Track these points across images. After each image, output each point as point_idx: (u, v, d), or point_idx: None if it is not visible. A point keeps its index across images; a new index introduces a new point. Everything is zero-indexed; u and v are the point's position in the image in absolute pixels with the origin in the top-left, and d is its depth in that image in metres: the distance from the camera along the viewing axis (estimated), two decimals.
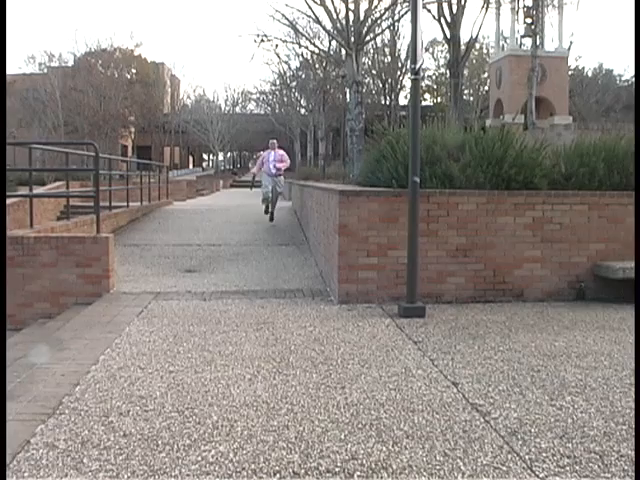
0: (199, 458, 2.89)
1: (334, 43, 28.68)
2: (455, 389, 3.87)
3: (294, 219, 14.02)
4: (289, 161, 13.67)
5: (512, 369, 4.28)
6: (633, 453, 2.93)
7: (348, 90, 21.75)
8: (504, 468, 2.81)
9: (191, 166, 71.74)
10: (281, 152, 13.36)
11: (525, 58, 29.44)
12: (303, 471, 2.77)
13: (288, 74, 43.49)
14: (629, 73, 48.53)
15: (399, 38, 39.95)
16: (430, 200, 6.47)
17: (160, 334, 5.20)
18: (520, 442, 3.08)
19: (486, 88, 43.46)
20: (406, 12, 20.85)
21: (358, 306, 6.31)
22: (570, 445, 3.05)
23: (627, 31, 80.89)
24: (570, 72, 39.05)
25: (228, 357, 4.52)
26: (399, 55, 40.26)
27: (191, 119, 56.24)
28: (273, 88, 48.41)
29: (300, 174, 26.77)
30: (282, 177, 13.32)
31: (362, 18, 20.00)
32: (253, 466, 2.80)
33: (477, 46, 40.03)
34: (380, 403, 3.61)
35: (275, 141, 13.61)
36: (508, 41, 34.50)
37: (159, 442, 3.06)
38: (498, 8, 30.55)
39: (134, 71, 50.94)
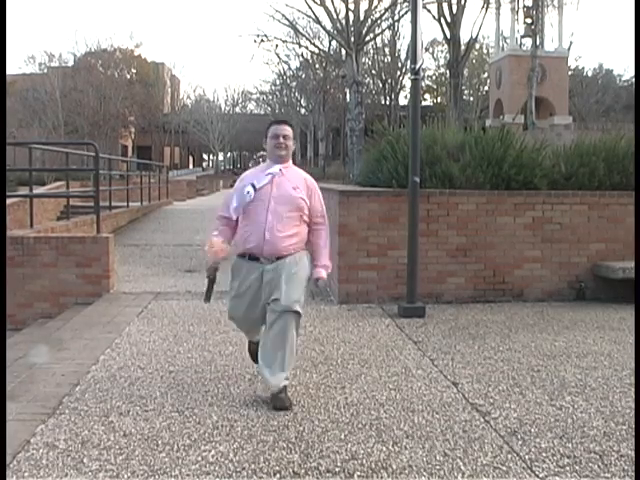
0: (199, 458, 2.89)
1: (334, 43, 28.72)
2: (455, 389, 3.87)
3: None
4: (324, 211, 3.81)
5: (512, 369, 4.28)
6: (633, 453, 2.93)
7: (348, 90, 21.77)
8: (504, 468, 2.81)
9: (191, 166, 71.73)
10: (299, 175, 3.75)
11: (525, 58, 29.41)
12: (303, 471, 2.77)
13: (288, 74, 43.47)
14: (629, 73, 48.53)
15: (399, 38, 39.94)
16: (430, 200, 6.47)
17: (160, 334, 5.20)
18: (520, 442, 3.08)
19: (486, 88, 43.45)
20: (406, 12, 20.88)
21: (358, 306, 6.31)
22: (570, 445, 3.05)
23: (627, 31, 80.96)
24: (570, 72, 39.02)
25: (228, 357, 4.52)
26: (399, 55, 40.25)
27: (191, 119, 56.22)
28: (273, 88, 48.40)
29: None
30: (304, 255, 3.71)
31: (362, 18, 20.03)
32: (253, 466, 2.80)
33: (477, 46, 39.99)
34: (380, 403, 3.61)
35: (287, 129, 3.71)
36: (508, 41, 34.48)
37: (159, 442, 3.06)
38: (498, 8, 30.53)
39: (134, 71, 50.89)
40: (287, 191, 3.59)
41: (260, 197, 3.58)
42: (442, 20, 23.01)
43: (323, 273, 3.72)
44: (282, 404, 3.50)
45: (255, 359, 3.83)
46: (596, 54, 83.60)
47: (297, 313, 3.54)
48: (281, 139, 3.67)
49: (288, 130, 3.71)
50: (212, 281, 3.76)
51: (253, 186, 3.58)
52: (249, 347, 4.01)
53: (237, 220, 3.69)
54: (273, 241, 3.54)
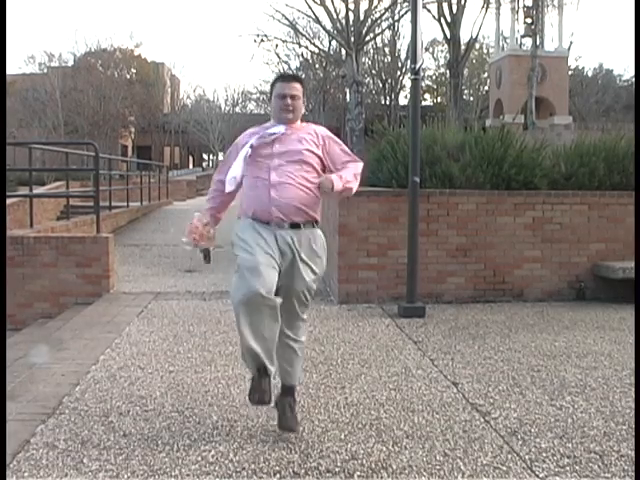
0: (199, 458, 2.89)
1: (334, 43, 28.70)
2: (455, 389, 3.87)
3: None
4: (351, 153, 3.29)
5: (512, 369, 4.28)
6: (633, 453, 2.93)
7: (348, 90, 21.79)
8: (504, 468, 2.81)
9: (191, 166, 71.68)
10: (307, 128, 3.25)
11: (525, 58, 29.40)
12: (303, 471, 2.76)
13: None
14: (629, 73, 48.48)
15: (399, 38, 39.91)
16: (430, 200, 6.47)
17: (160, 334, 5.20)
18: (520, 442, 3.08)
19: (486, 88, 43.41)
20: (406, 12, 20.89)
21: (358, 306, 6.31)
22: (570, 445, 3.05)
23: (627, 31, 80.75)
24: (570, 72, 38.98)
25: (228, 357, 4.51)
26: (399, 55, 40.22)
27: (191, 119, 56.19)
28: None
29: None
30: (318, 231, 3.18)
31: (362, 18, 20.05)
32: (253, 466, 2.80)
33: (477, 46, 39.94)
34: (380, 403, 3.61)
35: (295, 87, 3.18)
36: (508, 41, 34.45)
37: (159, 442, 3.06)
38: (498, 8, 30.53)
39: (134, 71, 50.85)
40: (292, 145, 3.11)
41: (261, 155, 3.10)
42: (442, 20, 23.05)
43: (334, 178, 3.06)
44: (284, 420, 3.13)
45: (263, 400, 3.01)
46: (596, 54, 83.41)
47: (309, 297, 3.16)
48: (288, 100, 3.12)
49: (297, 88, 3.16)
50: (208, 252, 3.28)
51: (251, 146, 3.13)
52: (254, 389, 3.01)
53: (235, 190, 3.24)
54: (281, 201, 3.02)
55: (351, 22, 19.75)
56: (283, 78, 3.26)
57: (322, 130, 3.26)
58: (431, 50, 48.84)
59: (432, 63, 50.55)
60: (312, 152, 3.12)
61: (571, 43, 39.92)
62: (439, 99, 50.32)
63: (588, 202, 6.77)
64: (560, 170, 7.16)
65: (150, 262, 9.15)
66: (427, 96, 51.40)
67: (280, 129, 3.16)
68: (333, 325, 5.56)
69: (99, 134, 41.53)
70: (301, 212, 3.07)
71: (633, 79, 42.65)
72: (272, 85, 3.22)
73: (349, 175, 3.13)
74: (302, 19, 25.93)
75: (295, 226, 3.06)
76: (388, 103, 41.47)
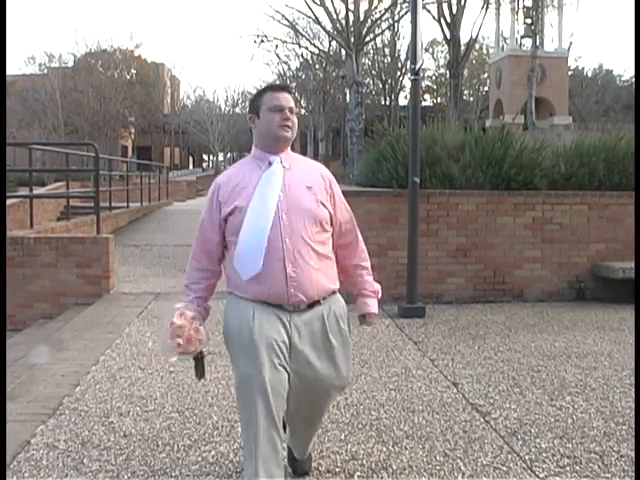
0: (199, 459, 2.89)
1: (334, 44, 28.74)
2: (455, 389, 3.87)
3: None
4: (351, 213, 2.55)
5: (512, 369, 4.28)
6: (633, 453, 2.93)
7: (348, 90, 21.80)
8: (504, 468, 2.81)
9: (191, 166, 71.72)
10: (309, 166, 2.48)
11: (525, 58, 29.42)
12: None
13: (288, 75, 43.46)
14: (629, 73, 48.49)
15: (399, 38, 39.93)
16: (430, 200, 6.47)
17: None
18: (520, 442, 3.08)
19: (486, 88, 43.42)
20: (406, 12, 20.91)
21: None
22: (570, 445, 3.05)
23: (627, 31, 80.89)
24: (570, 72, 38.99)
25: (228, 357, 4.50)
26: (399, 55, 40.25)
27: (191, 120, 56.22)
28: None
29: None
30: (340, 300, 2.46)
31: (362, 19, 20.07)
32: None
33: (477, 46, 39.95)
34: (380, 403, 3.61)
35: (290, 99, 2.38)
36: (508, 41, 34.45)
37: (159, 442, 3.06)
38: (498, 8, 30.54)
39: (134, 71, 50.87)
40: (299, 195, 2.31)
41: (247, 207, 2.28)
42: (442, 20, 23.06)
43: (374, 305, 2.54)
44: (303, 469, 2.76)
45: None
46: (596, 54, 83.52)
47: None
48: (287, 113, 2.34)
49: (292, 100, 2.39)
50: (200, 359, 2.54)
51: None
52: None
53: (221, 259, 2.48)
54: (303, 278, 2.26)
55: (351, 23, 19.77)
56: (274, 88, 2.44)
57: (325, 172, 2.48)
58: (431, 50, 48.87)
59: (432, 63, 50.58)
60: (323, 204, 2.37)
61: (571, 43, 39.96)
62: (439, 99, 50.31)
63: (588, 202, 6.78)
64: (560, 170, 7.16)
65: (150, 262, 9.15)
66: (427, 96, 51.40)
67: (277, 167, 2.35)
68: None
69: (99, 135, 41.54)
70: (326, 288, 2.36)
71: (633, 79, 42.64)
72: (256, 99, 2.41)
73: (372, 280, 2.57)
74: (302, 20, 25.98)
75: (315, 304, 2.34)
76: (388, 104, 41.49)
